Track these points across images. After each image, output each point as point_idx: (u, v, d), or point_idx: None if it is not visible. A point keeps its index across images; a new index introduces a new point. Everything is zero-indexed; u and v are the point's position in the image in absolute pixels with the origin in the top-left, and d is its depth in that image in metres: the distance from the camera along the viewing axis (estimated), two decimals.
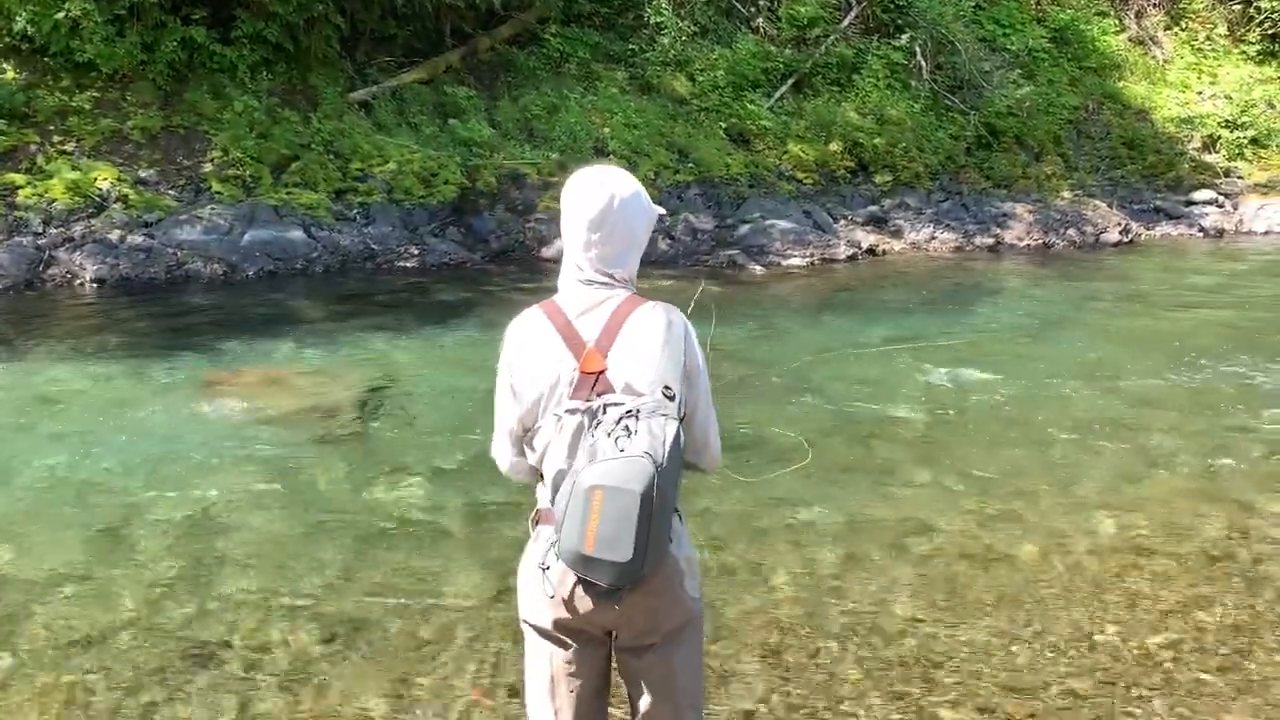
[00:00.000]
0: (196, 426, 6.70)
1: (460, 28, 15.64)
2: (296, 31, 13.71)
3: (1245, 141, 18.76)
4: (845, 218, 14.96)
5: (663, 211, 2.58)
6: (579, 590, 2.30)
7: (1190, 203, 17.27)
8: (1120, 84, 19.60)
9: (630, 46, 16.60)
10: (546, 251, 12.48)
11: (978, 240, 14.99)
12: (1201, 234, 16.43)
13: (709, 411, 2.46)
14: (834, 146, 15.95)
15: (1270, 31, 20.77)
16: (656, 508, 2.15)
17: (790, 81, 16.86)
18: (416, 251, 12.37)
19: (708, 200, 14.59)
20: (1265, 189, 17.85)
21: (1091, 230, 15.69)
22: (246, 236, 11.76)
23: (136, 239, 11.36)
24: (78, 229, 11.31)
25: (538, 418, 2.35)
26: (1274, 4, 20.40)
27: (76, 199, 11.56)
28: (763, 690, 3.77)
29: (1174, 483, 5.95)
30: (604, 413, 2.24)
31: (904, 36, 17.50)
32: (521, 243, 13.05)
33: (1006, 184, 16.79)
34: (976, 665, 3.96)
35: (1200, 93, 19.83)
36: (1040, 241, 15.29)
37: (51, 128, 12.29)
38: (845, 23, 17.88)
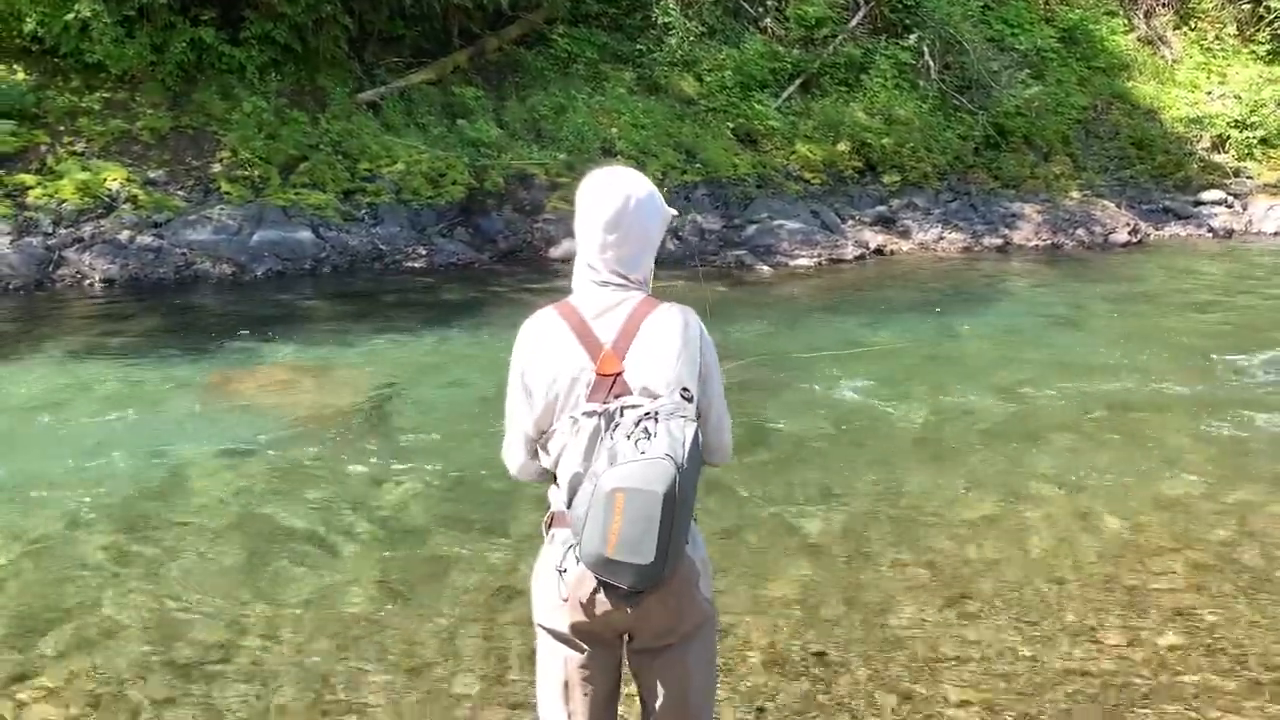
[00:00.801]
0: (205, 426, 6.72)
1: (468, 28, 15.65)
2: (305, 32, 13.74)
3: (1255, 141, 18.68)
4: (853, 218, 14.94)
5: (675, 213, 2.57)
6: (598, 595, 2.28)
7: (1199, 203, 17.20)
8: (1129, 84, 19.54)
9: (638, 47, 16.59)
10: (554, 252, 12.49)
11: (986, 241, 14.96)
12: (1211, 234, 16.37)
13: (722, 411, 2.46)
14: (842, 147, 15.93)
15: None
16: (678, 510, 2.15)
17: (798, 82, 16.84)
18: (424, 252, 12.39)
19: (715, 200, 14.58)
20: (1275, 189, 17.77)
21: (1100, 230, 15.64)
22: (255, 237, 11.79)
23: (146, 239, 11.39)
24: (87, 229, 11.35)
25: (553, 420, 2.34)
26: None
27: (86, 199, 11.60)
28: (769, 690, 3.77)
29: (1181, 483, 5.93)
30: (621, 415, 2.23)
31: (912, 36, 17.48)
32: (529, 243, 13.06)
33: (1015, 184, 16.76)
34: (982, 665, 3.96)
35: (1209, 92, 19.75)
36: (1049, 242, 15.26)
37: (61, 128, 12.33)
38: (853, 23, 17.86)
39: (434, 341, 9.05)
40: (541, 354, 2.36)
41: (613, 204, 2.39)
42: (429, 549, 4.98)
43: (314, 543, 5.03)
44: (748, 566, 4.78)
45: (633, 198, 2.40)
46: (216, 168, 12.60)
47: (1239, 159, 18.51)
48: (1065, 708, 3.70)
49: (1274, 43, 20.72)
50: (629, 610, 2.28)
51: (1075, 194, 16.68)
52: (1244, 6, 21.18)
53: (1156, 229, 16.24)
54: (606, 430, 2.23)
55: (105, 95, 12.78)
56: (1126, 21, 20.74)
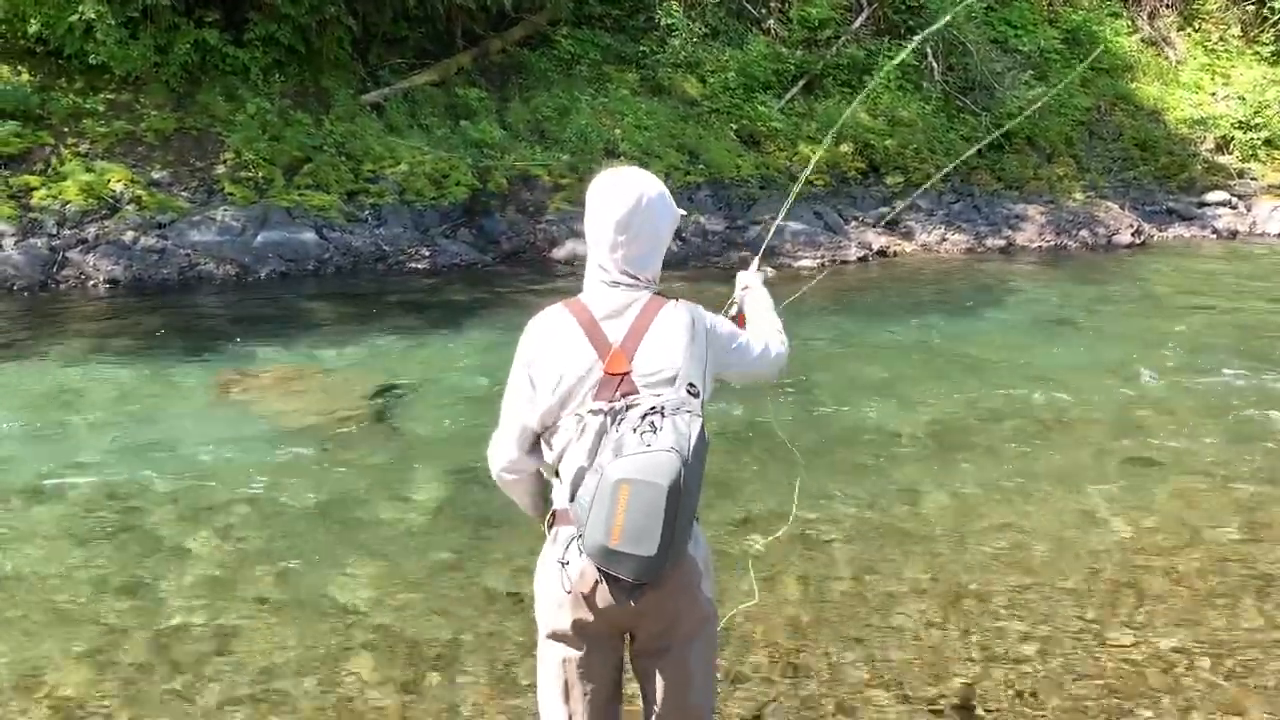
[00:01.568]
0: (208, 427, 6.72)
1: (471, 30, 15.67)
2: (309, 34, 13.76)
3: (1259, 143, 18.66)
4: (856, 219, 14.94)
5: (684, 212, 2.59)
6: (600, 587, 2.29)
7: (1203, 204, 17.18)
8: (1133, 85, 19.53)
9: (641, 48, 16.60)
10: (557, 253, 12.50)
11: (989, 242, 14.95)
12: (1215, 235, 16.34)
13: (751, 348, 2.59)
14: (845, 148, 15.93)
15: None
16: (683, 503, 2.16)
17: (801, 83, 16.85)
18: (428, 253, 12.40)
19: (718, 201, 14.58)
20: (1279, 190, 17.75)
21: (1104, 232, 15.63)
22: (259, 238, 11.80)
23: (149, 240, 11.41)
24: (91, 230, 11.37)
25: (558, 416, 2.36)
26: None
27: (90, 200, 11.62)
28: (771, 690, 3.77)
29: (1186, 484, 5.93)
30: (627, 411, 2.25)
31: (915, 38, 17.46)
32: (532, 244, 13.07)
33: (1018, 185, 16.75)
34: (985, 666, 3.95)
35: (1213, 94, 19.73)
36: (1052, 243, 15.24)
37: (65, 129, 12.35)
38: (856, 24, 17.86)
39: (437, 342, 9.05)
40: (550, 350, 2.37)
41: (625, 203, 2.40)
42: (432, 548, 4.98)
43: (317, 542, 5.03)
44: (750, 566, 4.77)
45: (645, 197, 2.42)
46: (220, 169, 12.62)
47: (1243, 160, 18.49)
48: (1069, 709, 3.69)
49: (1278, 44, 20.69)
50: (630, 604, 2.29)
51: (1078, 195, 16.66)
52: (1248, 7, 21.15)
53: (1160, 230, 16.22)
54: (612, 426, 2.25)
55: (109, 96, 12.80)
56: (1130, 23, 20.71)
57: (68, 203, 11.50)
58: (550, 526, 2.43)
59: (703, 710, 2.49)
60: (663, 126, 15.29)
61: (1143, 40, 20.68)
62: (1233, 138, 18.68)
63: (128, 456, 6.15)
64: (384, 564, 4.82)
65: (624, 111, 15.28)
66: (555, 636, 2.42)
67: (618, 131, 14.84)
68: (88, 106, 12.58)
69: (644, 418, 2.21)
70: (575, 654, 2.40)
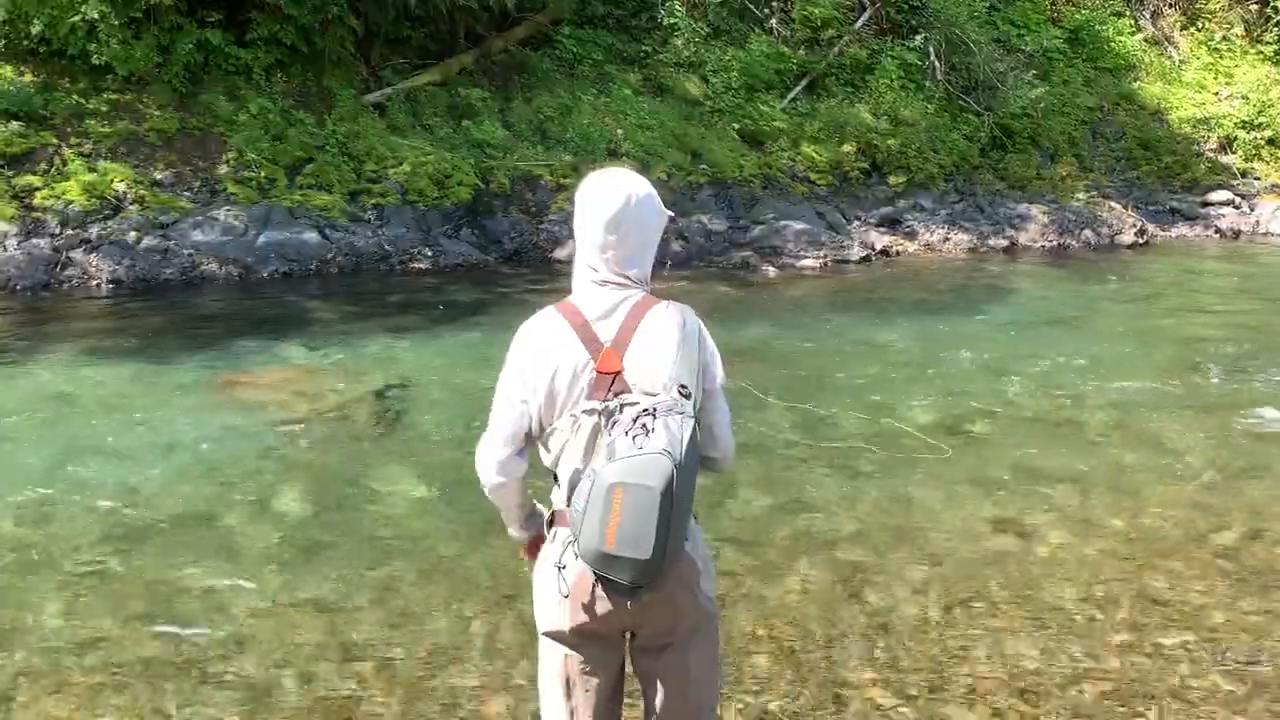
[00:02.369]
0: (210, 426, 6.72)
1: (474, 30, 15.67)
2: (311, 34, 13.76)
3: (1262, 142, 18.64)
4: (859, 219, 14.93)
5: (671, 214, 2.59)
6: (598, 590, 2.30)
7: (1206, 204, 17.17)
8: (1136, 84, 19.51)
9: (644, 48, 16.60)
10: (559, 253, 12.49)
11: (992, 241, 14.94)
12: (1218, 235, 16.33)
13: (723, 407, 2.47)
14: (847, 147, 15.93)
15: None
16: (676, 505, 2.16)
17: (804, 83, 16.84)
18: (430, 253, 12.40)
19: (720, 201, 14.57)
20: None
21: (1107, 231, 15.62)
22: (261, 238, 11.81)
23: (152, 240, 11.41)
24: (94, 230, 11.37)
25: (554, 418, 2.36)
26: None
27: (93, 200, 11.62)
28: (773, 690, 3.76)
29: (1188, 484, 5.92)
30: (620, 412, 2.25)
31: (918, 37, 17.47)
32: (535, 244, 13.07)
33: (1021, 185, 16.74)
34: (989, 666, 3.95)
35: (1217, 93, 19.71)
36: (1055, 243, 15.23)
37: (68, 129, 12.36)
38: (859, 24, 17.85)
39: (440, 342, 9.06)
40: (542, 352, 2.37)
41: (614, 203, 2.40)
42: (435, 548, 4.98)
43: (319, 542, 5.04)
44: (753, 566, 4.78)
45: (633, 197, 2.42)
46: (223, 169, 12.63)
47: (1246, 160, 18.48)
48: (1072, 709, 3.69)
49: None
50: (629, 606, 2.29)
51: (1081, 195, 16.65)
52: (1251, 7, 21.13)
53: (1163, 230, 16.20)
54: (606, 427, 2.25)
55: (112, 97, 12.81)
56: (1133, 22, 20.70)
57: (70, 203, 11.51)
58: (550, 526, 2.43)
59: (703, 710, 2.49)
60: (665, 126, 15.29)
61: (1146, 40, 20.66)
62: (1236, 137, 18.66)
63: (129, 456, 6.15)
64: (385, 563, 4.82)
65: (626, 111, 15.28)
66: (555, 637, 2.42)
67: (620, 131, 14.84)
68: (90, 107, 12.59)
69: (636, 420, 2.21)
70: (575, 653, 2.41)
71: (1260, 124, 18.73)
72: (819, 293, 11.89)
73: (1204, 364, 8.51)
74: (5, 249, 10.88)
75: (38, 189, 11.56)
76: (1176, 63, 20.51)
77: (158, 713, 3.64)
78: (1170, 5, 21.29)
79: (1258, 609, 4.45)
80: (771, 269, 12.83)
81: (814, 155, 15.66)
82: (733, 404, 2.52)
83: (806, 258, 13.29)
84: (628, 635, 2.43)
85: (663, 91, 16.12)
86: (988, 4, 18.66)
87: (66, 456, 6.14)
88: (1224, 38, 20.92)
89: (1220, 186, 17.64)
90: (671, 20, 16.50)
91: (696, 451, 2.25)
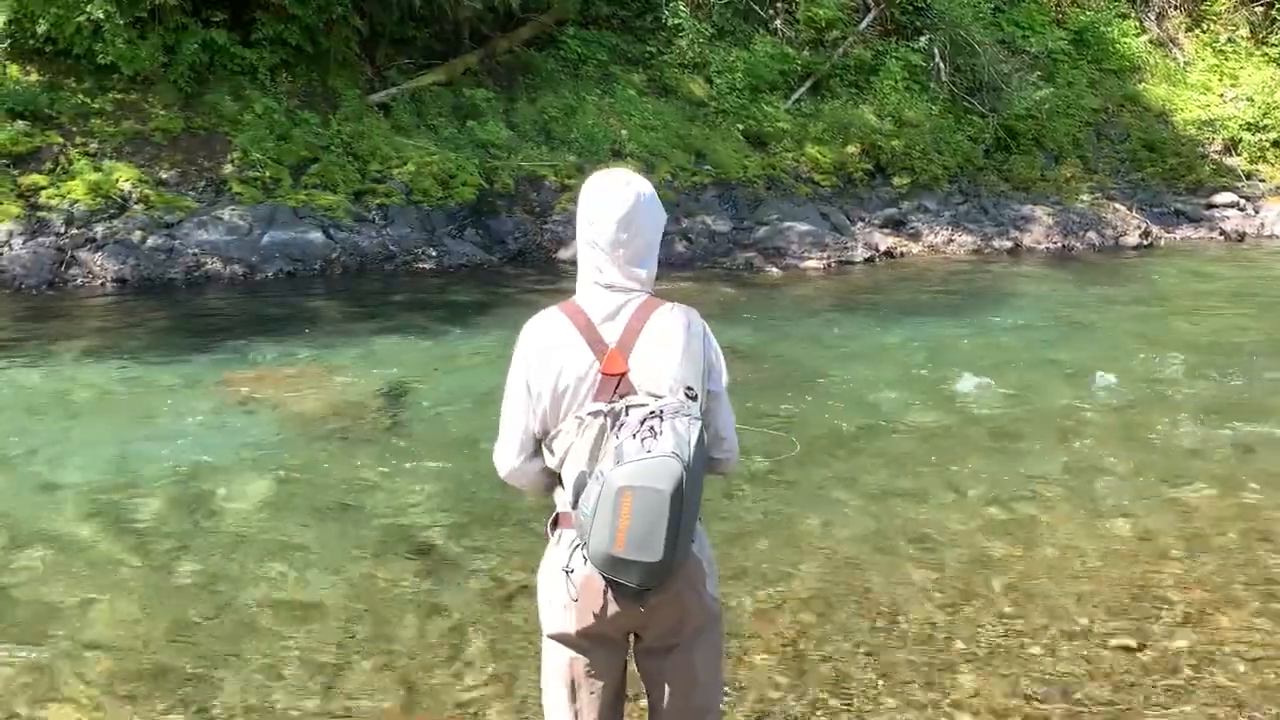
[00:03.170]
0: (215, 426, 6.74)
1: (479, 30, 15.69)
2: (316, 34, 13.79)
3: (1267, 144, 18.62)
4: (863, 220, 14.92)
5: (665, 216, 2.59)
6: (606, 593, 2.29)
7: (1211, 206, 17.15)
8: (1140, 86, 19.49)
9: (648, 49, 16.61)
10: (563, 254, 12.51)
11: (996, 243, 14.94)
12: (1222, 237, 16.31)
13: (727, 409, 2.47)
14: (851, 148, 15.93)
15: None
16: (685, 507, 2.16)
17: (808, 83, 16.84)
18: (434, 253, 12.41)
19: (724, 202, 14.58)
20: None
21: (1111, 233, 15.61)
22: (266, 238, 11.83)
23: (157, 240, 11.44)
24: (99, 229, 11.40)
25: (559, 420, 2.35)
26: None
27: (98, 200, 11.65)
28: (776, 691, 3.77)
29: (1192, 486, 5.91)
30: (627, 414, 2.24)
31: (922, 38, 17.46)
32: (539, 244, 13.08)
33: (1025, 187, 16.73)
34: (991, 667, 3.95)
35: (1222, 95, 19.69)
36: (1059, 244, 15.22)
37: (74, 129, 12.39)
38: (863, 24, 17.84)
39: (444, 342, 9.07)
40: (547, 354, 2.36)
41: (625, 202, 2.39)
42: (438, 548, 4.99)
43: (322, 542, 5.04)
44: (755, 567, 4.78)
45: (642, 195, 2.42)
46: (228, 168, 12.65)
47: (1251, 162, 18.45)
48: (1075, 711, 3.68)
49: None
50: (638, 609, 2.29)
51: (1086, 196, 16.64)
52: (1257, 9, 21.11)
53: (1168, 232, 16.19)
54: (612, 430, 2.24)
55: (117, 96, 12.83)
56: (1138, 24, 20.68)
57: (75, 202, 11.54)
58: (553, 529, 2.42)
59: (708, 711, 2.49)
60: (669, 127, 15.30)
61: (1151, 41, 20.64)
62: (1241, 139, 18.63)
63: (132, 455, 6.16)
64: (387, 563, 4.82)
65: (630, 112, 15.28)
66: (561, 640, 2.41)
67: (624, 132, 14.85)
68: (96, 106, 12.62)
69: (643, 423, 2.20)
70: (580, 655, 2.40)
71: (1265, 126, 18.70)
72: (821, 294, 11.89)
73: (1209, 366, 8.49)
74: (11, 248, 10.91)
75: (43, 188, 11.59)
76: (1181, 64, 20.49)
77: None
78: (1175, 7, 21.26)
79: (1264, 611, 4.44)
80: (775, 270, 12.83)
81: (818, 156, 15.66)
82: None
83: (810, 259, 13.29)
84: (632, 637, 2.43)
85: (667, 92, 16.13)
86: (992, 5, 18.66)
87: (68, 454, 6.15)
88: (1229, 39, 20.89)
89: (1225, 189, 17.61)
90: (676, 21, 16.51)
91: (704, 453, 2.24)
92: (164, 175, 12.35)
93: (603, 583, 2.27)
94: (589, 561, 2.23)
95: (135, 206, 11.79)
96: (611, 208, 2.39)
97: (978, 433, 6.87)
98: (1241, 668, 3.97)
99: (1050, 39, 18.82)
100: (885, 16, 18.03)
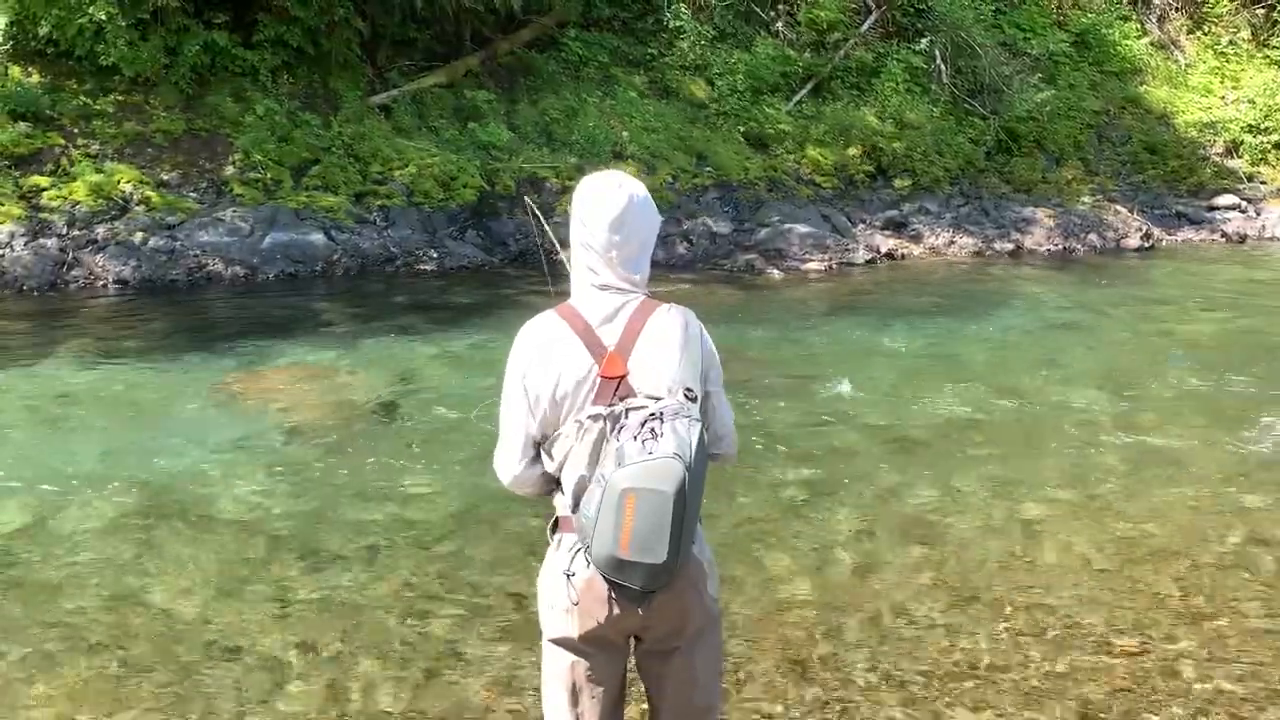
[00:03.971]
0: (217, 427, 6.74)
1: (480, 32, 15.69)
2: (317, 35, 13.79)
3: (1269, 146, 18.60)
4: (864, 222, 14.92)
5: (659, 219, 2.60)
6: (608, 596, 2.29)
7: (1212, 208, 17.13)
8: (1142, 88, 19.48)
9: (649, 50, 16.61)
10: (564, 255, 12.49)
11: (998, 245, 14.93)
12: (1224, 239, 16.29)
13: (725, 404, 2.49)
14: (853, 150, 15.92)
15: None
16: (688, 509, 2.16)
17: (809, 85, 16.84)
18: (436, 254, 12.42)
19: (725, 204, 14.57)
20: None
21: (1112, 235, 15.60)
22: (267, 239, 11.83)
23: (158, 241, 11.44)
24: (100, 231, 11.40)
25: (558, 424, 2.34)
26: None
27: (99, 201, 11.65)
28: (776, 693, 3.76)
29: (1193, 489, 5.91)
30: (627, 417, 2.24)
31: (923, 40, 17.46)
32: (540, 246, 13.07)
33: (1026, 189, 16.72)
34: (992, 670, 3.94)
35: (1223, 97, 19.68)
36: (1060, 246, 15.21)
37: (75, 130, 12.39)
38: (864, 27, 17.85)
39: (445, 343, 9.06)
40: (544, 358, 2.35)
41: (618, 203, 2.40)
42: (439, 549, 4.99)
43: (323, 542, 5.04)
44: (756, 569, 4.78)
45: (635, 196, 2.43)
46: (229, 170, 12.66)
47: (1252, 164, 18.43)
48: (1076, 713, 3.68)
49: None
50: (639, 611, 2.28)
51: (1087, 198, 16.63)
52: (1258, 11, 21.10)
53: (1169, 234, 16.18)
54: (612, 432, 2.24)
55: (119, 98, 12.84)
56: (1139, 26, 20.67)
57: (77, 203, 11.54)
58: (553, 532, 2.42)
59: (709, 711, 2.49)
60: (670, 129, 15.30)
61: (1152, 43, 20.63)
62: (1242, 141, 18.62)
63: (134, 456, 6.16)
64: (388, 562, 4.83)
65: (632, 114, 15.29)
66: (562, 644, 2.41)
67: (625, 134, 14.85)
68: (97, 108, 12.62)
69: (644, 425, 2.20)
70: (582, 659, 2.39)
71: (1266, 128, 18.69)
72: (824, 295, 11.88)
73: (1209, 368, 8.49)
74: (13, 249, 10.91)
75: (45, 189, 11.60)
76: (1183, 66, 20.48)
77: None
78: (1177, 9, 21.26)
79: (1264, 614, 4.44)
80: (776, 272, 12.83)
81: (819, 158, 15.66)
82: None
83: (811, 261, 13.29)
84: (633, 640, 2.43)
85: (668, 94, 16.13)
86: (993, 7, 18.66)
87: (70, 455, 6.15)
88: (1230, 41, 20.88)
89: (1226, 190, 17.60)
90: (677, 23, 16.51)
91: (705, 454, 2.25)
92: (165, 177, 12.36)
93: (604, 586, 2.27)
94: (591, 565, 2.23)
95: (137, 208, 11.80)
96: (605, 210, 2.40)
97: (977, 433, 6.86)
98: (1242, 672, 3.97)
99: (1051, 41, 18.81)
100: (886, 18, 18.03)
